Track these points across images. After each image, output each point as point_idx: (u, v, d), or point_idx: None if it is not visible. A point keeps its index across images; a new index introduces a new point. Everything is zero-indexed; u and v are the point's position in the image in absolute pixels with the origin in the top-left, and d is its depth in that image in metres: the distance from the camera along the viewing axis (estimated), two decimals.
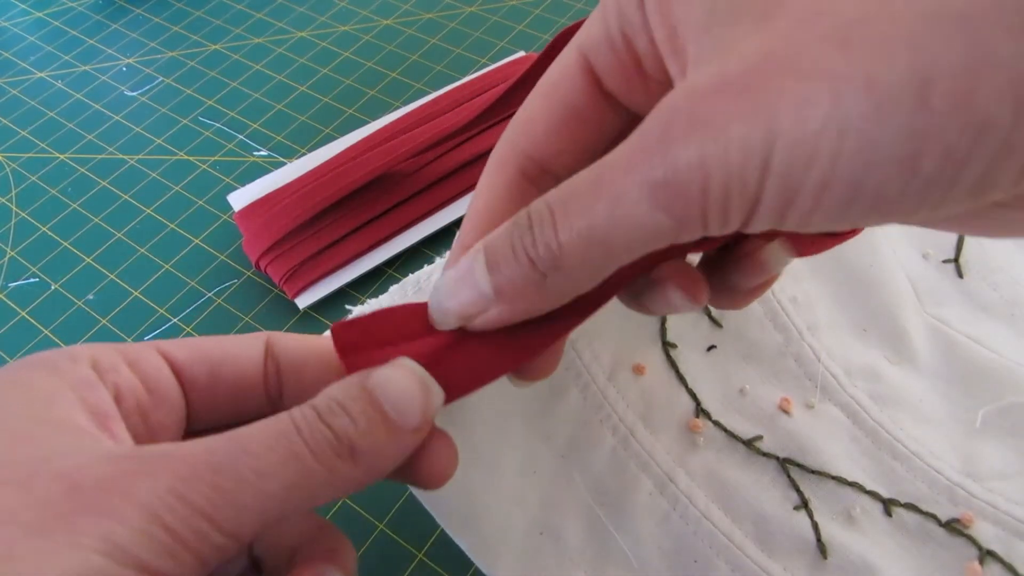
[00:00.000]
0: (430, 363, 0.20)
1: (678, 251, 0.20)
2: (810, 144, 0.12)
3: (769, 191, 0.13)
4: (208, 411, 0.22)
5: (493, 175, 0.21)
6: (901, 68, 0.11)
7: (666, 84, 0.18)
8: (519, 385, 0.23)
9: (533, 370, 0.22)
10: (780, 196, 0.13)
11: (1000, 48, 0.11)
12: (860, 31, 0.12)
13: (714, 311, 0.32)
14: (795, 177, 0.12)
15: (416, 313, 0.21)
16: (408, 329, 0.20)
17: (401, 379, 0.19)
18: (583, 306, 0.19)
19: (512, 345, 0.20)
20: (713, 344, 0.31)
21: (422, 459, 0.20)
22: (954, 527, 0.27)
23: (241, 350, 0.23)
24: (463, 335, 0.20)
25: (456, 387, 0.20)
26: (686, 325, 0.31)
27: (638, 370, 0.30)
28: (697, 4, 0.15)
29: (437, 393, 0.19)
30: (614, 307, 0.30)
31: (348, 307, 0.29)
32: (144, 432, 0.20)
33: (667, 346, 0.31)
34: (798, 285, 0.32)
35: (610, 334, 0.30)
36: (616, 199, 0.15)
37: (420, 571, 0.30)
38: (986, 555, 0.26)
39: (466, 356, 0.20)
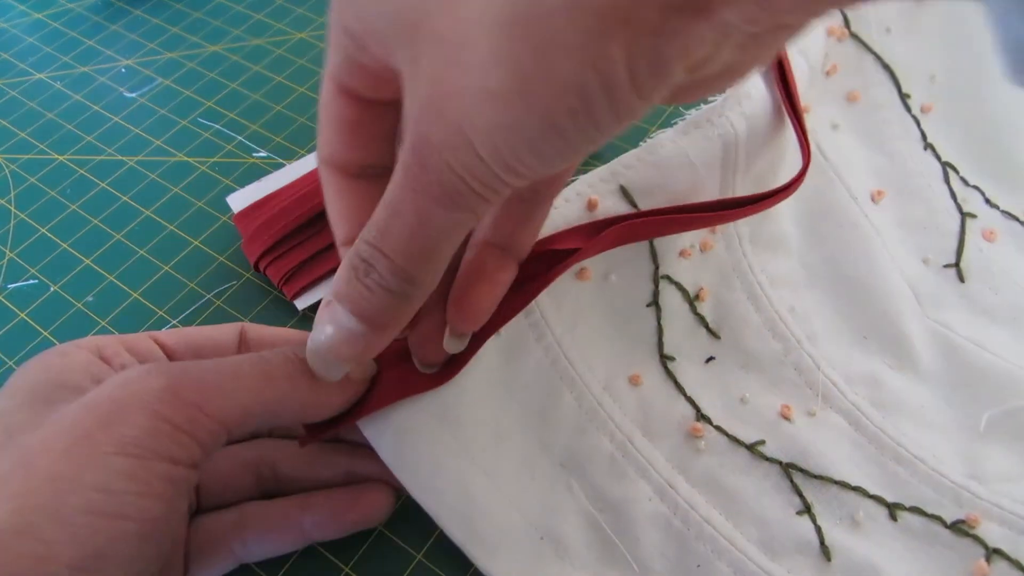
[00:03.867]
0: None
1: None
2: (486, 135, 0.17)
3: (492, 163, 0.17)
4: None
5: (327, 184, 0.24)
6: (505, 78, 0.16)
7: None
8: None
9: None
10: (498, 162, 0.17)
11: (553, 37, 0.15)
12: (468, 57, 0.16)
13: (711, 322, 0.32)
14: (495, 150, 0.17)
15: None
16: None
17: None
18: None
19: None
20: (711, 356, 0.31)
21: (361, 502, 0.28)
22: (960, 528, 0.27)
23: (219, 337, 0.28)
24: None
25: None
26: (683, 337, 0.31)
27: (634, 380, 0.30)
28: (375, 25, 0.19)
29: (371, 363, 0.25)
30: (606, 323, 0.30)
31: None
32: None
33: (664, 359, 0.31)
34: (796, 295, 0.32)
35: (603, 347, 0.30)
36: (418, 215, 0.19)
37: (420, 571, 0.29)
38: (993, 553, 0.26)
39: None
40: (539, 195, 0.24)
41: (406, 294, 0.20)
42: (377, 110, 0.23)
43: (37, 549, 0.19)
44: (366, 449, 0.28)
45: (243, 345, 0.29)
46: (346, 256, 0.21)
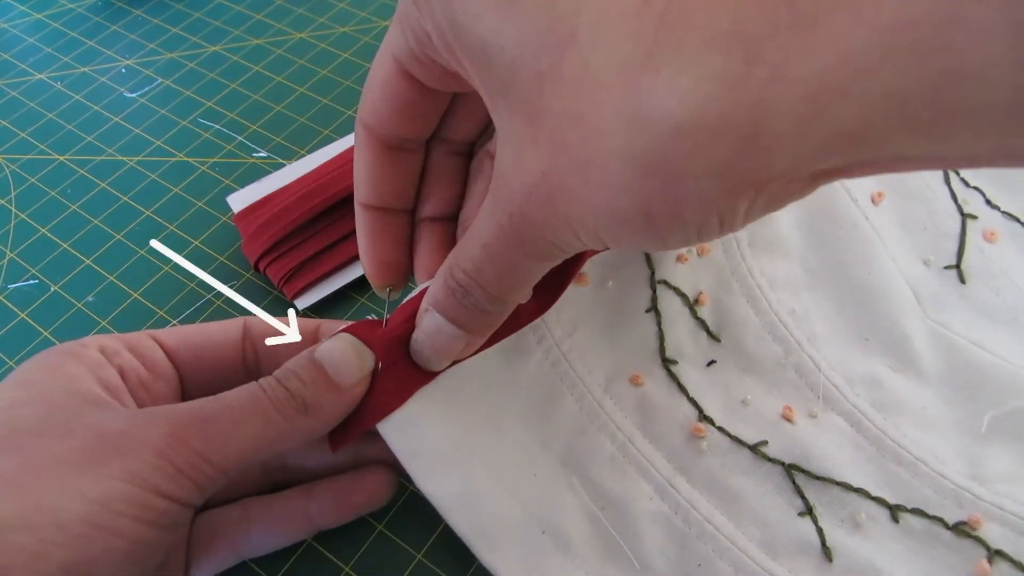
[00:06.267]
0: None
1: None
2: (594, 233, 0.19)
3: (590, 244, 0.20)
4: (197, 385, 0.28)
5: (361, 145, 0.26)
6: (630, 206, 0.18)
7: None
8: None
9: None
10: (596, 244, 0.20)
11: (689, 188, 0.17)
12: (594, 175, 0.17)
13: (711, 326, 0.32)
14: (596, 240, 0.19)
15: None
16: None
17: (338, 348, 0.25)
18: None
19: None
20: (713, 359, 0.31)
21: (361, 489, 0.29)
22: (962, 529, 0.27)
23: (221, 334, 0.29)
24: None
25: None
26: (685, 340, 0.31)
27: (635, 381, 0.30)
28: (480, 52, 0.19)
29: (368, 356, 0.25)
30: (606, 328, 0.30)
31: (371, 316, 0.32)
32: (149, 401, 0.27)
33: (667, 363, 0.31)
34: (796, 298, 0.32)
35: (603, 352, 0.30)
36: (512, 263, 0.21)
37: (419, 571, 0.29)
38: (995, 554, 0.26)
39: None
40: None
41: (500, 312, 0.24)
42: (434, 95, 0.24)
43: (34, 546, 0.20)
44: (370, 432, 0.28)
45: (247, 342, 0.29)
46: (442, 276, 0.23)
